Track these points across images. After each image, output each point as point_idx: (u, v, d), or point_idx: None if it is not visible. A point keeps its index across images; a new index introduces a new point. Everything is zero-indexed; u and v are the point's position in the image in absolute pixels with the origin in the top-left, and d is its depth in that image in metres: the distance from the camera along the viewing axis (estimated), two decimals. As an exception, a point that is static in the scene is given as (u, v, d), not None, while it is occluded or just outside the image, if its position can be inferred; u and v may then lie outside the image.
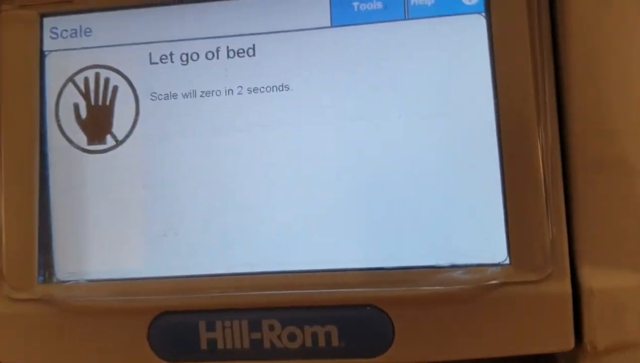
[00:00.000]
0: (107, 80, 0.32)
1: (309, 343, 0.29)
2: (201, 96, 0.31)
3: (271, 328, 0.30)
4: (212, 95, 0.31)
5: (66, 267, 0.31)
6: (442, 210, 0.29)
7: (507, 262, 0.29)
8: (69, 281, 0.31)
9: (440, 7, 0.30)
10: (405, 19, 0.30)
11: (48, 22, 0.32)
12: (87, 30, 0.32)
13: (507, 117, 0.29)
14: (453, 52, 0.30)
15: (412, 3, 0.30)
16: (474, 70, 0.30)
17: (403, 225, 0.29)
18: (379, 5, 0.31)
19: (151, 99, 0.31)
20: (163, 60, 0.31)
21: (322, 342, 0.29)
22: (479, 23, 0.30)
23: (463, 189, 0.29)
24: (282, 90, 0.31)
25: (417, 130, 0.30)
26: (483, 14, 0.30)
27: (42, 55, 0.32)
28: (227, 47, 0.31)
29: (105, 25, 0.32)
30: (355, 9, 0.31)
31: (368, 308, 0.29)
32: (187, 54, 0.31)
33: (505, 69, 0.29)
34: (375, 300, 0.29)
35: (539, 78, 0.29)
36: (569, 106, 0.29)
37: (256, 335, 0.30)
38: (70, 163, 0.31)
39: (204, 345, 0.30)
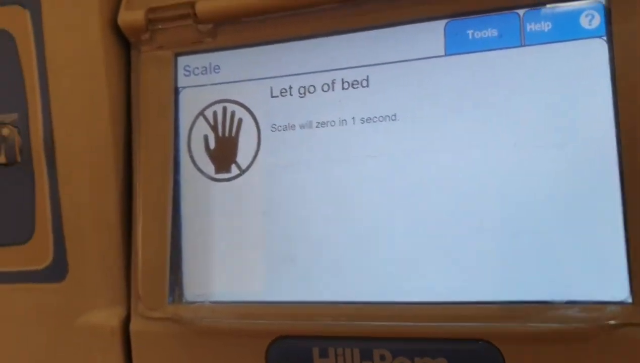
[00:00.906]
0: (233, 114, 0.34)
1: (419, 374, 0.29)
2: (317, 127, 0.32)
3: (382, 358, 0.30)
4: (327, 125, 0.32)
5: (194, 289, 0.33)
6: (558, 242, 0.28)
7: (630, 300, 0.27)
8: (195, 302, 0.33)
9: (558, 32, 0.29)
10: (521, 46, 0.30)
11: (182, 60, 0.35)
12: (216, 67, 0.34)
13: (630, 147, 0.27)
14: (571, 79, 0.29)
15: (528, 29, 0.30)
16: (593, 98, 0.28)
17: (516, 257, 0.29)
18: (494, 32, 0.30)
19: (271, 130, 0.33)
20: (283, 94, 0.33)
21: (432, 374, 0.29)
22: (600, 48, 0.28)
23: (581, 221, 0.28)
24: (395, 119, 0.31)
25: (533, 160, 0.29)
26: (604, 37, 0.28)
27: (176, 91, 0.35)
28: (342, 79, 0.32)
29: (231, 62, 0.34)
30: (470, 37, 0.30)
31: (480, 342, 0.29)
32: (304, 87, 0.33)
33: (628, 96, 0.27)
34: (487, 335, 0.28)
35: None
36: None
37: (367, 364, 0.30)
38: (199, 191, 0.34)
39: (317, 369, 0.31)
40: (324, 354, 0.31)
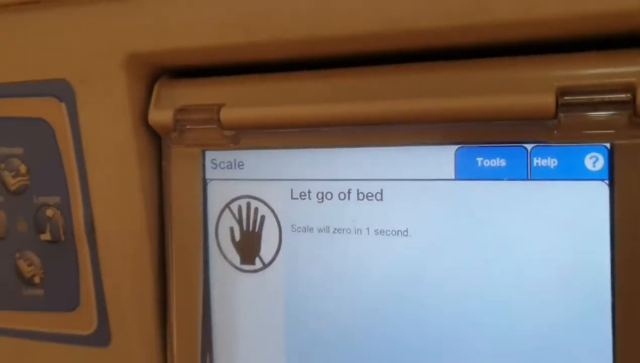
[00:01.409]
0: (256, 210, 0.36)
1: None
2: (334, 232, 0.35)
3: None
4: (343, 232, 0.34)
5: (222, 372, 0.37)
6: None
7: None
8: (224, 385, 0.37)
9: (564, 170, 0.30)
10: (527, 179, 0.31)
11: (209, 155, 0.37)
12: (240, 163, 0.36)
13: (624, 290, 0.29)
14: (573, 217, 0.30)
15: (535, 163, 0.31)
16: (592, 239, 0.30)
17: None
18: (503, 162, 0.31)
19: (292, 230, 0.36)
20: (302, 197, 0.35)
21: None
22: (602, 190, 0.30)
23: (573, 356, 0.30)
24: (406, 235, 0.33)
25: (530, 289, 0.31)
26: (606, 181, 0.30)
27: (204, 182, 0.37)
28: (358, 190, 0.34)
29: (254, 161, 0.36)
30: (479, 164, 0.32)
31: None
32: (322, 193, 0.35)
33: (625, 240, 0.29)
34: None
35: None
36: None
37: None
38: (227, 279, 0.37)
39: None
40: None
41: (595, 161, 0.30)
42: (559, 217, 0.30)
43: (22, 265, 0.40)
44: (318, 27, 0.32)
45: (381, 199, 0.34)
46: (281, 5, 0.32)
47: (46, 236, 0.39)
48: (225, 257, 0.37)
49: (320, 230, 0.35)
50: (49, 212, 0.39)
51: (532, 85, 0.30)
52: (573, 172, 0.30)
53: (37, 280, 0.40)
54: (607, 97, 0.28)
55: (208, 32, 0.34)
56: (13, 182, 0.39)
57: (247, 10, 0.33)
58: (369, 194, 0.34)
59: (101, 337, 0.39)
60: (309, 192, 0.35)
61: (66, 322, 0.40)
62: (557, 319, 0.31)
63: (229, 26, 0.33)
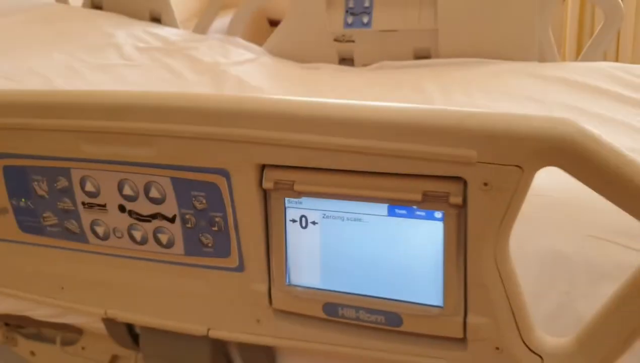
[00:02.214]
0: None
1: None
2: (339, 230, 0.90)
3: None
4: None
5: None
6: None
7: None
8: None
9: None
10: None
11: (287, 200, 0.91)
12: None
13: None
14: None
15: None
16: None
17: None
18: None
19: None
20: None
21: None
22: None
23: None
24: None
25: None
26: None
27: (285, 208, 0.91)
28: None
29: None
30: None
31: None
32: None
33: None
34: None
35: None
36: None
37: None
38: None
39: None
40: None
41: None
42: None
43: (203, 239, 0.94)
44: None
45: (357, 220, 0.89)
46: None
47: (215, 229, 0.93)
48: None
49: (333, 229, 0.90)
50: (218, 220, 0.92)
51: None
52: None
53: (210, 245, 0.94)
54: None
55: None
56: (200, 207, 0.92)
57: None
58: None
59: (240, 267, 0.95)
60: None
61: (224, 262, 0.95)
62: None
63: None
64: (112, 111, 0.90)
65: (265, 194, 0.89)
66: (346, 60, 2.24)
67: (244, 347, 1.05)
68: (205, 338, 1.03)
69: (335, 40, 2.21)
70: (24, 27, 2.21)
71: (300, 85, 1.92)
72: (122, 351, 1.42)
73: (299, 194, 0.87)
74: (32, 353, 1.62)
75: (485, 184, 0.74)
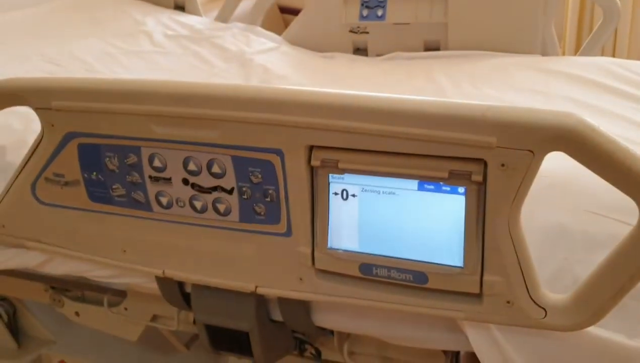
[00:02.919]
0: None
1: None
2: (375, 203, 1.06)
3: None
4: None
5: None
6: None
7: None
8: None
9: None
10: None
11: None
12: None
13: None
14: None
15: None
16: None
17: None
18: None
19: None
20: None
21: None
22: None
23: None
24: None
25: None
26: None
27: (329, 181, 1.07)
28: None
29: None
30: (422, 186, 1.03)
31: None
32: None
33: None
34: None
35: None
36: None
37: None
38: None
39: None
40: None
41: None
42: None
43: (256, 208, 1.10)
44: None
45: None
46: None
47: (268, 199, 1.09)
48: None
49: (370, 202, 1.06)
50: (271, 192, 1.08)
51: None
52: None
53: (263, 213, 1.10)
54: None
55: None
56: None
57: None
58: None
59: (288, 233, 1.11)
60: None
61: (274, 228, 1.11)
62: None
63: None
64: (182, 98, 1.05)
65: (313, 171, 1.05)
66: (360, 50, 2.39)
67: (283, 302, 1.22)
68: (251, 294, 1.19)
69: (351, 31, 2.36)
70: (56, 14, 2.36)
71: (321, 74, 2.07)
72: (164, 311, 1.59)
73: (342, 171, 1.03)
74: (77, 314, 1.79)
75: (503, 165, 0.90)
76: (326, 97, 0.98)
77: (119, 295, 1.66)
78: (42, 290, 1.78)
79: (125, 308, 1.64)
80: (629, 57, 3.09)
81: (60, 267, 1.42)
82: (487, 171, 0.92)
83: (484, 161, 0.92)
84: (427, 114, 0.92)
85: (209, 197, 1.12)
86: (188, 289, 1.31)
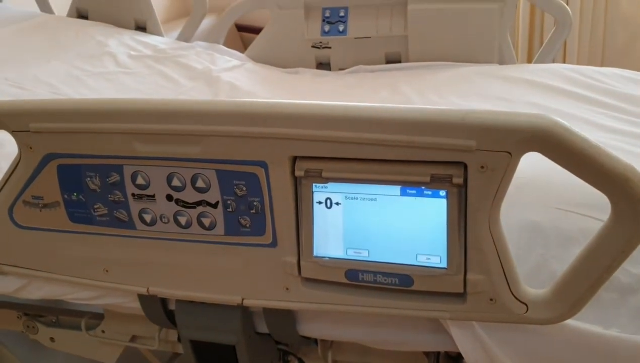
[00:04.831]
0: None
1: None
2: (358, 210, 1.09)
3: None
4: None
5: None
6: None
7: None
8: None
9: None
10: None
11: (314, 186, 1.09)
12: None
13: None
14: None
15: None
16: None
17: None
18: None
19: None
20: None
21: None
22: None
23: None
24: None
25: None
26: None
27: (312, 191, 1.09)
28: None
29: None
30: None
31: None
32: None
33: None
34: None
35: None
36: None
37: None
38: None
39: None
40: None
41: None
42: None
43: (241, 221, 1.12)
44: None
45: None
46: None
47: (253, 211, 1.11)
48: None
49: (353, 209, 1.09)
50: (255, 204, 1.10)
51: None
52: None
53: (248, 225, 1.12)
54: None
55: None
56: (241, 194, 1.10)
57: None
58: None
59: (273, 243, 1.12)
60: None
61: (259, 240, 1.12)
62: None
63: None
64: (164, 115, 1.07)
65: (296, 181, 1.07)
66: (323, 65, 2.43)
67: (268, 312, 1.23)
68: (237, 307, 1.21)
69: (313, 46, 2.40)
70: (19, 37, 2.33)
71: (287, 89, 2.10)
72: (144, 331, 1.58)
73: (326, 180, 1.05)
74: (52, 339, 1.77)
75: (482, 167, 0.94)
76: (308, 108, 1.01)
77: (96, 318, 1.65)
78: (14, 317, 1.75)
79: (103, 331, 1.63)
80: (578, 63, 3.21)
81: (36, 292, 1.40)
82: (468, 173, 0.96)
83: (464, 164, 0.96)
84: (408, 120, 0.95)
85: (194, 212, 1.13)
86: (171, 306, 1.32)
